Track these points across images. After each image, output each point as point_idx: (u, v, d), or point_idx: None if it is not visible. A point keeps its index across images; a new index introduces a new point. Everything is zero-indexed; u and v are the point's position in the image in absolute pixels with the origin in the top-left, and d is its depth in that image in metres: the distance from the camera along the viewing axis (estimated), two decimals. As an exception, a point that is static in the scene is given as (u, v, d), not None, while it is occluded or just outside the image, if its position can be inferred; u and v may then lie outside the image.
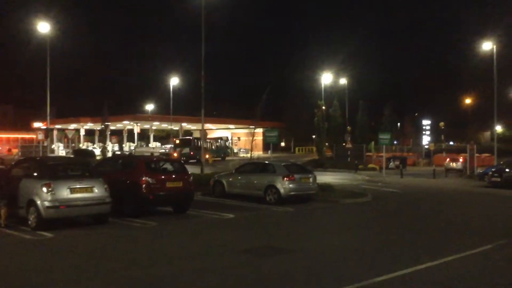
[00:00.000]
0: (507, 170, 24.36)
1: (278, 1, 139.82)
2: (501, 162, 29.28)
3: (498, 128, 59.52)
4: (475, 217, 14.80)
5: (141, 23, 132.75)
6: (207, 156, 53.47)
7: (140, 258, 8.73)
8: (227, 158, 54.63)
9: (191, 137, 56.87)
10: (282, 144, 77.43)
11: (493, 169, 26.16)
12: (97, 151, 50.70)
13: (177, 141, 54.69)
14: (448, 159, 36.42)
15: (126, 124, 66.98)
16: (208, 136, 64.37)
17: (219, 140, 59.68)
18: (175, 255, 9.05)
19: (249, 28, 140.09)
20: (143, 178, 13.05)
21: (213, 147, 55.54)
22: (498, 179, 23.98)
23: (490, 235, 11.22)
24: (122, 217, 12.63)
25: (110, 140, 62.19)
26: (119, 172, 13.95)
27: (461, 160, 34.53)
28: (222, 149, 57.23)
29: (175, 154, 49.76)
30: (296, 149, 77.38)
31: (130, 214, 12.89)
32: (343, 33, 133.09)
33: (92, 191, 11.58)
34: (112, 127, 66.27)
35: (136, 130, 66.23)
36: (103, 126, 48.58)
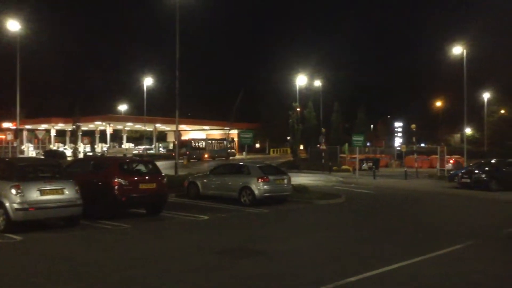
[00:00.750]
0: (476, 171, 24.97)
1: (254, 3, 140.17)
2: (471, 164, 30.00)
3: (468, 131, 61.01)
4: (445, 218, 15.10)
5: (114, 22, 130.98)
6: (206, 155, 54.23)
7: (113, 261, 8.59)
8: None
9: (188, 139, 60.76)
10: (257, 145, 77.59)
11: (463, 171, 26.78)
12: (68, 152, 49.81)
13: (176, 142, 58.29)
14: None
15: (98, 125, 65.94)
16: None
17: (224, 141, 61.67)
18: (148, 257, 8.93)
19: (224, 29, 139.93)
20: (116, 180, 12.85)
21: (215, 147, 57.44)
22: (468, 180, 24.53)
23: (460, 235, 11.46)
24: (94, 220, 12.40)
25: (82, 141, 61.12)
26: (91, 174, 13.69)
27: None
28: (225, 150, 58.73)
29: (173, 154, 52.47)
30: (271, 150, 77.62)
31: (102, 216, 12.67)
32: (317, 36, 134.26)
33: (62, 193, 11.35)
34: (84, 128, 65.13)
35: (109, 130, 65.27)
36: (74, 126, 47.76)
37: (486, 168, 24.95)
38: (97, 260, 8.65)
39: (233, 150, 62.10)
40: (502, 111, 68.82)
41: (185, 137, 79.23)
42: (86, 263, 8.43)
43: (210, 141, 60.88)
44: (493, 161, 27.06)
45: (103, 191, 12.88)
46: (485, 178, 23.91)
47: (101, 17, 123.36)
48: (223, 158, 54.21)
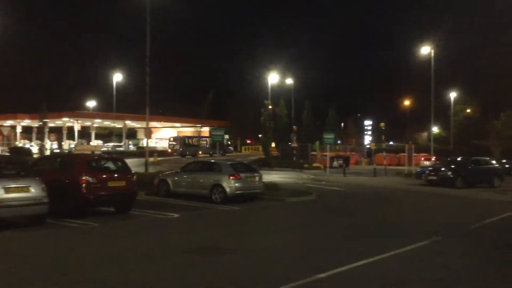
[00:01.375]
0: (442, 169, 25.60)
1: (226, 0, 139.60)
2: (437, 162, 30.75)
3: (435, 129, 62.45)
4: (412, 214, 15.42)
5: (83, 17, 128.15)
6: (200, 152, 54.01)
7: (80, 261, 8.39)
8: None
9: (182, 136, 63.75)
10: (229, 143, 77.47)
11: (429, 168, 27.41)
12: (35, 149, 48.53)
13: (171, 139, 61.81)
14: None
15: (65, 121, 64.51)
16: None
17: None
18: (116, 256, 8.77)
19: (196, 26, 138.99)
20: (83, 177, 12.58)
21: (207, 145, 58.08)
22: (434, 178, 25.15)
23: (427, 231, 11.70)
24: (61, 218, 12.11)
25: (49, 138, 59.72)
26: (58, 171, 13.36)
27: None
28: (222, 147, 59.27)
29: (169, 150, 57.52)
30: (243, 148, 77.61)
31: (69, 215, 12.38)
32: (289, 35, 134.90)
33: (28, 191, 11.04)
34: (51, 124, 63.60)
35: (77, 127, 63.94)
36: (41, 123, 46.52)
37: (452, 166, 25.63)
38: (61, 260, 8.44)
39: (230, 147, 62.20)
40: (468, 110, 70.78)
41: (156, 134, 78.50)
42: (50, 263, 8.22)
43: (204, 138, 61.17)
44: (458, 159, 27.82)
45: (71, 189, 12.58)
46: (451, 176, 24.56)
47: (69, 11, 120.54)
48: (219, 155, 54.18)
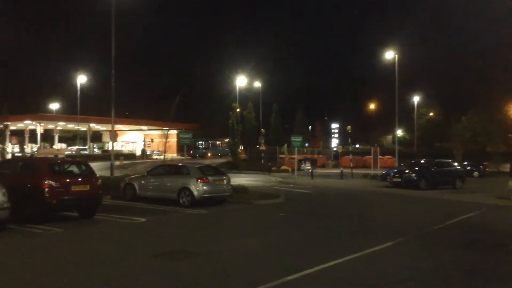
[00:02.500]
0: (407, 171, 26.17)
1: (193, 2, 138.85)
2: (401, 164, 31.39)
3: (399, 132, 63.85)
4: (378, 216, 15.67)
5: (46, 18, 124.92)
6: (209, 154, 53.58)
7: (43, 268, 8.12)
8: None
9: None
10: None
11: (394, 171, 27.98)
12: (-5, 153, 46.87)
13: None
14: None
15: (28, 124, 62.64)
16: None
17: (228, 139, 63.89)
18: (79, 262, 8.53)
19: (163, 28, 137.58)
20: (46, 182, 12.22)
21: (219, 146, 58.51)
22: (399, 180, 25.69)
23: (392, 232, 11.91)
24: (23, 224, 11.73)
25: (10, 141, 57.87)
26: (20, 175, 12.94)
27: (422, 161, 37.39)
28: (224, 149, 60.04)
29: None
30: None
31: (32, 220, 12.00)
32: (256, 37, 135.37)
33: (-13, 196, 10.62)
34: (12, 127, 61.71)
35: (39, 130, 62.19)
36: (2, 125, 45.12)
37: (416, 168, 26.24)
38: (22, 267, 8.15)
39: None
40: (431, 114, 72.75)
41: (122, 137, 77.19)
42: (10, 270, 7.92)
43: (214, 140, 61.51)
44: (422, 161, 28.51)
45: (33, 193, 12.21)
46: (415, 178, 25.14)
47: (31, 11, 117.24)
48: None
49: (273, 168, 37.99)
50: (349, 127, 39.99)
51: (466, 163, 36.29)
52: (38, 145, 61.46)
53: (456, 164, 29.13)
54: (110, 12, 23.79)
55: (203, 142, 68.23)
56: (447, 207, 18.14)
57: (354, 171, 34.62)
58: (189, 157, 52.66)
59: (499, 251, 10.10)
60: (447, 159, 30.80)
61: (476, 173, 36.35)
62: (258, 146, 42.83)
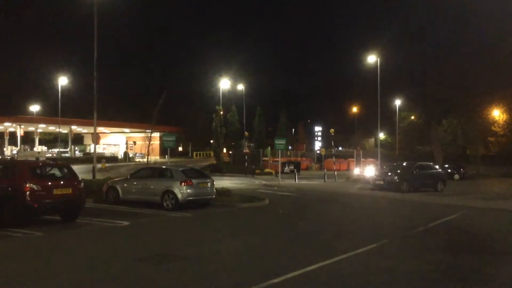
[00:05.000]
0: (389, 174, 26.44)
1: (176, 4, 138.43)
2: (384, 167, 31.69)
3: (381, 135, 64.50)
4: (361, 218, 15.79)
5: (27, 19, 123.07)
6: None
7: (23, 273, 7.99)
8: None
9: None
10: (180, 149, 76.56)
11: (377, 173, 28.24)
12: (-27, 156, 45.97)
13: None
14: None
15: (7, 126, 61.57)
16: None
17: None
18: (62, 267, 8.42)
19: (145, 29, 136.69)
20: (27, 185, 12.03)
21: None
22: (381, 182, 25.93)
23: (375, 234, 12.02)
24: (3, 228, 11.53)
25: (-11, 144, 56.71)
26: (0, 178, 12.70)
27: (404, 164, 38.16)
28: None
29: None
30: (194, 154, 76.96)
31: (12, 224, 11.81)
32: (240, 40, 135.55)
33: (-34, 200, 10.40)
34: (-9, 129, 60.59)
35: (19, 132, 61.15)
36: (-20, 128, 44.22)
37: (398, 171, 26.52)
38: (3, 272, 8.00)
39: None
40: (412, 117, 73.66)
41: (104, 139, 76.38)
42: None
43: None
44: (404, 164, 28.82)
45: (13, 197, 12.02)
46: (397, 180, 25.40)
47: (10, 11, 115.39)
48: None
49: (257, 171, 38.01)
50: (332, 130, 40.34)
51: (447, 166, 36.82)
52: (18, 147, 60.43)
53: (437, 167, 29.53)
54: (93, 14, 23.55)
55: None
56: (429, 210, 18.37)
57: (337, 173, 34.86)
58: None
59: (480, 254, 10.26)
60: (428, 162, 31.19)
61: (457, 176, 36.93)
62: (241, 149, 42.84)
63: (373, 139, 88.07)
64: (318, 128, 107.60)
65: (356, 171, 36.06)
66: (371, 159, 45.88)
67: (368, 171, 33.11)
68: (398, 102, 66.24)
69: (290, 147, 62.16)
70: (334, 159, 39.52)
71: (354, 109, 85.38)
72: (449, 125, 62.68)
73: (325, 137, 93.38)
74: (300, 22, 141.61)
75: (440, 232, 13.00)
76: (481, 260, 9.60)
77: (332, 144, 42.10)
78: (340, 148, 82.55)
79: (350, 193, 24.95)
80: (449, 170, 35.41)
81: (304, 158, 52.88)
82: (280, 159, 33.21)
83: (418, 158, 36.59)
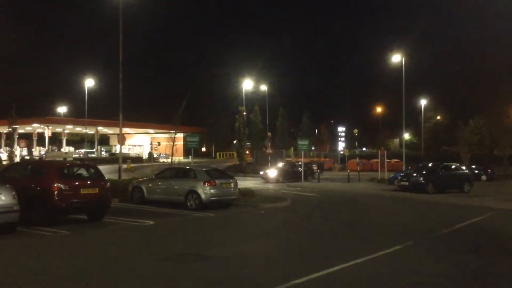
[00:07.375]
0: (414, 175, 26.08)
1: (201, 6, 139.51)
2: (409, 167, 31.27)
3: (406, 136, 63.65)
4: (386, 219, 15.64)
5: (55, 22, 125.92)
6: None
7: (51, 270, 8.20)
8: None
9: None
10: (203, 149, 77.11)
11: (401, 174, 27.89)
12: (4, 156, 47.21)
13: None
14: None
15: (36, 127, 63.08)
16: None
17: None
18: (88, 265, 8.60)
19: (169, 31, 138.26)
20: (55, 185, 12.31)
21: None
22: (407, 183, 25.59)
23: (400, 236, 11.89)
24: (32, 226, 11.83)
25: (18, 144, 58.07)
26: (29, 178, 13.03)
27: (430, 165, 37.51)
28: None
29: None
30: (217, 154, 77.36)
31: (41, 223, 12.11)
32: (263, 41, 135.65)
33: (-2, 199, 10.72)
34: (20, 130, 62.03)
35: (47, 133, 62.57)
36: (10, 129, 45.32)
37: (423, 172, 26.14)
38: (32, 269, 8.23)
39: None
40: (438, 117, 72.45)
41: (130, 140, 77.46)
42: (20, 272, 8.00)
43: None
44: (429, 165, 28.39)
45: (42, 196, 12.30)
46: (422, 181, 25.04)
47: (39, 15, 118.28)
48: None
49: (280, 172, 37.91)
50: (355, 130, 40.00)
51: (473, 166, 36.10)
52: (46, 148, 61.82)
53: (463, 167, 28.99)
54: (118, 17, 23.97)
55: None
56: (455, 211, 18.07)
57: (361, 174, 34.56)
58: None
59: (507, 256, 10.06)
60: (455, 162, 30.65)
61: (484, 177, 36.14)
62: (264, 150, 42.87)
63: (397, 140, 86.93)
64: (341, 129, 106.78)
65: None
66: (396, 160, 45.35)
67: (392, 172, 32.76)
68: (423, 102, 65.23)
69: (313, 148, 61.86)
70: (358, 159, 39.18)
71: (378, 109, 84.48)
72: (476, 125, 61.39)
73: (349, 137, 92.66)
74: (324, 23, 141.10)
75: (467, 234, 12.78)
76: (509, 263, 9.41)
77: (356, 144, 41.73)
78: (364, 149, 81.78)
79: (374, 194, 24.71)
80: (476, 171, 34.69)
81: (327, 159, 52.60)
82: (303, 160, 33.11)
83: (444, 159, 35.99)
